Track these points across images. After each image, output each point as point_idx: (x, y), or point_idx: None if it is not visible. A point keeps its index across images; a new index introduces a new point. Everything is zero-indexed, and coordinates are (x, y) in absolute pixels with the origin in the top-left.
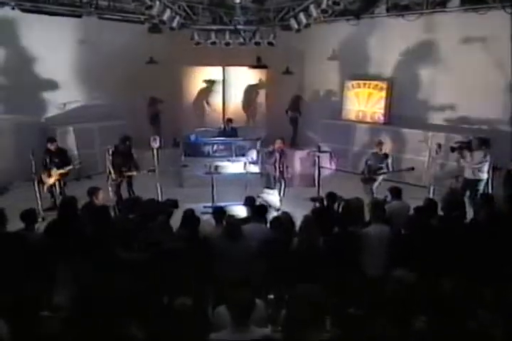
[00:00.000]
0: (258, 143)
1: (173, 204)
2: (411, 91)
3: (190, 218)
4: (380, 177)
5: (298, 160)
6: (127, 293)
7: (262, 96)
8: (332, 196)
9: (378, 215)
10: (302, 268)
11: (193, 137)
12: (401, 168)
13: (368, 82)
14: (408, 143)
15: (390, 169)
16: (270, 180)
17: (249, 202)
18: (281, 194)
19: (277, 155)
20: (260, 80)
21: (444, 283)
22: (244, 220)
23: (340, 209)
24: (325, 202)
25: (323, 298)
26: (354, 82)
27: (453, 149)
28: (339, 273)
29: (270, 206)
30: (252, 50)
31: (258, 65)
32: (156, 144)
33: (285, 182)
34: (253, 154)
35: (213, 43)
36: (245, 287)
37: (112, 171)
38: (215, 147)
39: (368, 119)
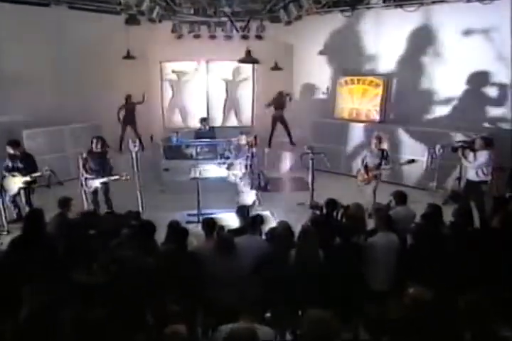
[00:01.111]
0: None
1: (136, 216)
2: (409, 88)
3: (176, 231)
4: (382, 174)
5: (288, 162)
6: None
7: (248, 94)
8: (332, 203)
9: (384, 222)
10: (302, 285)
11: (174, 138)
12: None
13: (362, 77)
14: (406, 143)
15: (390, 164)
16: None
17: (242, 211)
18: (257, 192)
19: (246, 151)
20: (235, 74)
21: (465, 300)
22: (238, 232)
23: (340, 217)
24: (325, 210)
25: (335, 324)
26: (347, 78)
27: (455, 149)
28: (343, 289)
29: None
30: (238, 43)
31: (248, 59)
32: (135, 148)
33: (257, 181)
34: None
35: (197, 36)
36: (245, 313)
37: (85, 177)
38: (199, 149)
39: (363, 118)
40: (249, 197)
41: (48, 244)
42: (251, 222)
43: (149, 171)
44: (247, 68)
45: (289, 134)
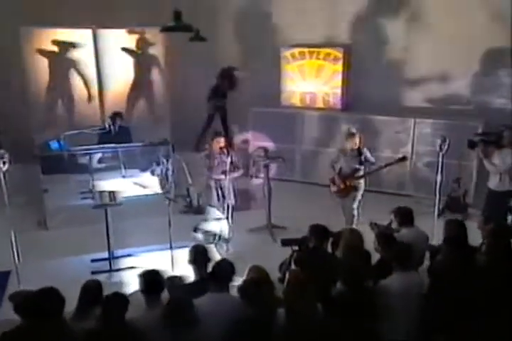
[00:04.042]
0: (165, 149)
1: None
2: (378, 62)
3: (103, 300)
4: (362, 185)
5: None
6: None
7: (158, 77)
8: (321, 232)
9: (400, 258)
10: None
11: (55, 144)
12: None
13: (316, 49)
14: (380, 136)
15: (373, 162)
16: (212, 197)
17: (198, 255)
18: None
19: (223, 159)
20: (139, 47)
21: None
22: (195, 289)
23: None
24: (310, 243)
25: None
26: (296, 51)
27: (473, 144)
28: None
29: (219, 239)
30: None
31: (178, 25)
32: (4, 165)
33: (236, 200)
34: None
35: None
36: None
37: None
38: (96, 157)
39: (320, 104)
40: (223, 224)
41: None
42: (214, 271)
43: (21, 196)
44: (155, 39)
45: (227, 133)
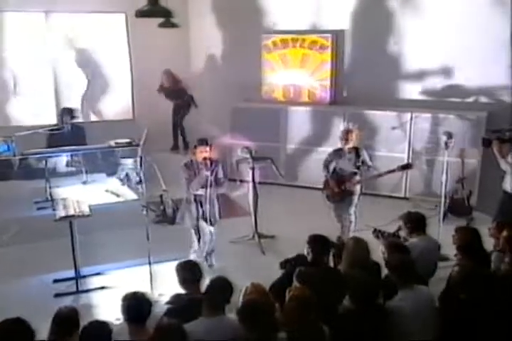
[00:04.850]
0: (133, 150)
1: None
2: (371, 51)
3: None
4: (358, 188)
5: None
6: None
7: (122, 69)
8: (322, 244)
9: (408, 274)
10: None
11: (3, 147)
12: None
13: (300, 36)
14: (374, 133)
15: (371, 165)
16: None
17: (188, 274)
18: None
19: (205, 170)
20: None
21: None
22: (186, 313)
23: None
24: (309, 257)
25: None
26: (277, 38)
27: (487, 142)
28: None
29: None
30: None
31: (156, 10)
32: None
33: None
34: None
35: None
36: None
37: None
38: (63, 160)
39: (305, 98)
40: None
41: None
42: (208, 291)
43: None
44: (118, 25)
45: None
